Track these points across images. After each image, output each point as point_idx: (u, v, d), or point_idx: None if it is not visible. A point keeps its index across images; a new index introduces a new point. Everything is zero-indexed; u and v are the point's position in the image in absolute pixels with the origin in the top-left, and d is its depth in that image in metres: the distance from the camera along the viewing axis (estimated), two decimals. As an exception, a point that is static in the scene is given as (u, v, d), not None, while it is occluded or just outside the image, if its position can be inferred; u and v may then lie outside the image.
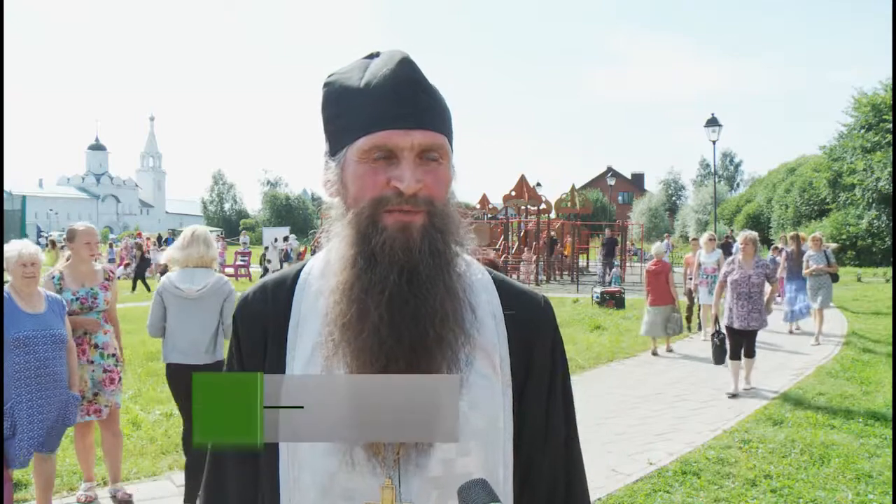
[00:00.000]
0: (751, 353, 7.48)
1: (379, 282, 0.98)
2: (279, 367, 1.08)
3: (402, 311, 0.98)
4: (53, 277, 4.28)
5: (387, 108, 1.02)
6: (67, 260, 4.43)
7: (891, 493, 4.55)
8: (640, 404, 7.03)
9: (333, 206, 1.10)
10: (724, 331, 7.52)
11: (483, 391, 1.05)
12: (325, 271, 1.09)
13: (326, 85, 1.10)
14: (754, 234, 7.70)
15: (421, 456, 1.01)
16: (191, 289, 4.06)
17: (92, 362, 4.29)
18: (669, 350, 9.95)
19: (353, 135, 1.04)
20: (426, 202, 1.01)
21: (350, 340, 0.99)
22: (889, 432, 5.82)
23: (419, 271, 0.99)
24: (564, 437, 1.16)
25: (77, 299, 4.25)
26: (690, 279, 11.27)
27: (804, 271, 10.88)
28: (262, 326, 1.12)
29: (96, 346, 4.33)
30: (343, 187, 1.06)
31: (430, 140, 1.03)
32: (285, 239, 25.18)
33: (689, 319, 11.53)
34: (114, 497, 4.46)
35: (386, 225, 1.00)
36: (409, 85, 1.03)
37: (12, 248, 3.86)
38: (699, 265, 10.66)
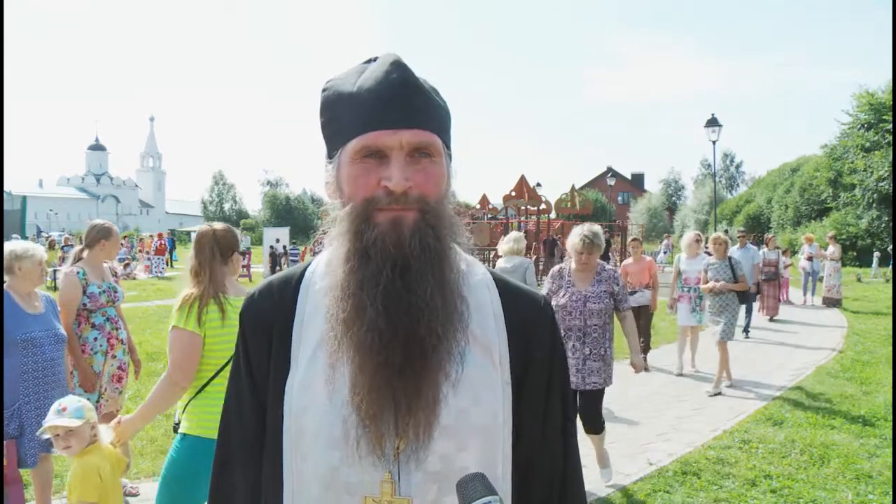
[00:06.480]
0: (595, 425, 4.58)
1: (372, 276, 1.00)
2: (285, 364, 1.10)
3: (398, 305, 0.99)
4: (78, 273, 4.21)
5: (375, 109, 1.03)
6: (82, 257, 4.36)
7: (891, 493, 4.55)
8: (639, 404, 7.02)
9: (333, 207, 1.12)
10: None
11: (484, 387, 1.07)
12: (327, 270, 1.11)
13: (324, 90, 1.13)
14: (596, 229, 4.65)
15: (420, 451, 1.01)
16: (505, 267, 6.43)
17: (115, 357, 4.30)
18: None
19: (346, 137, 1.06)
20: (417, 200, 1.02)
21: (351, 335, 1.00)
22: (889, 432, 5.82)
23: (410, 265, 1.00)
24: (561, 433, 1.18)
25: (104, 292, 4.26)
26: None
27: (702, 287, 7.79)
28: (267, 325, 1.14)
29: (121, 342, 4.35)
30: (338, 189, 1.09)
31: (419, 138, 1.04)
32: (277, 240, 25.32)
33: None
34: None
35: (378, 222, 1.02)
36: (398, 86, 1.05)
37: (22, 248, 3.81)
38: (679, 273, 8.47)
